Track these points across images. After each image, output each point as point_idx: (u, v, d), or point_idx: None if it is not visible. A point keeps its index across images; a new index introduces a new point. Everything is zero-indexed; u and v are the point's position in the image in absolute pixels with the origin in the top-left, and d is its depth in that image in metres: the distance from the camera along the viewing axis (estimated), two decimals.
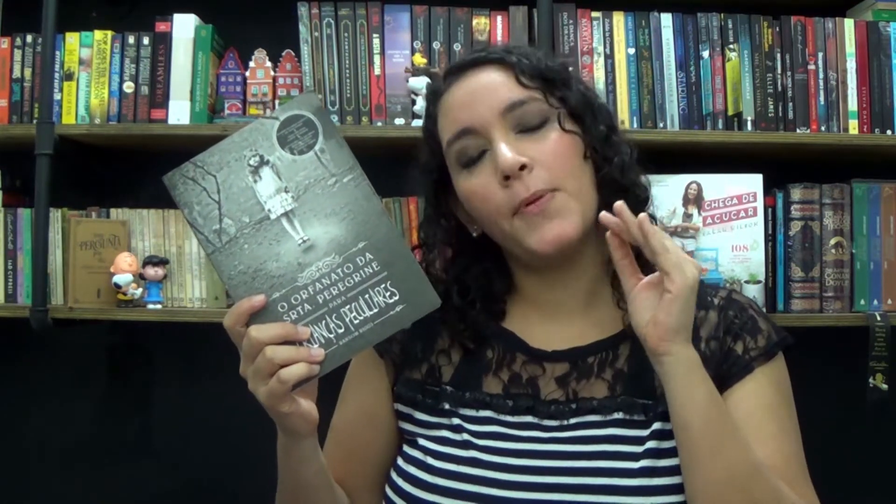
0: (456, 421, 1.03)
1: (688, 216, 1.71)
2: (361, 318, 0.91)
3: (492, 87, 1.03)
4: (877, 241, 1.79)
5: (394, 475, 1.06)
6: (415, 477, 1.02)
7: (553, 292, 1.07)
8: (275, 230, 0.91)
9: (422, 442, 1.05)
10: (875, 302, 1.78)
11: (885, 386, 1.71)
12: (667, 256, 0.90)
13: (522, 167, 0.98)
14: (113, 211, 1.87)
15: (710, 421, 0.92)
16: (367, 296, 0.91)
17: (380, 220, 0.92)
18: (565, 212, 1.00)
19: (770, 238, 1.77)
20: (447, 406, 1.05)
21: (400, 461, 1.07)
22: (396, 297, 0.91)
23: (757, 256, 1.71)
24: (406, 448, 1.07)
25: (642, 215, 0.92)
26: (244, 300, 0.90)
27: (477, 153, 1.02)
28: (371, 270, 0.91)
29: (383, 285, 0.91)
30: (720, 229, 1.71)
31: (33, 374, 2.04)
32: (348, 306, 0.91)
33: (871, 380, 1.71)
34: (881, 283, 1.78)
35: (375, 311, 0.91)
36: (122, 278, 1.79)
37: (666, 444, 0.98)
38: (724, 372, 1.01)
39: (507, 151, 0.99)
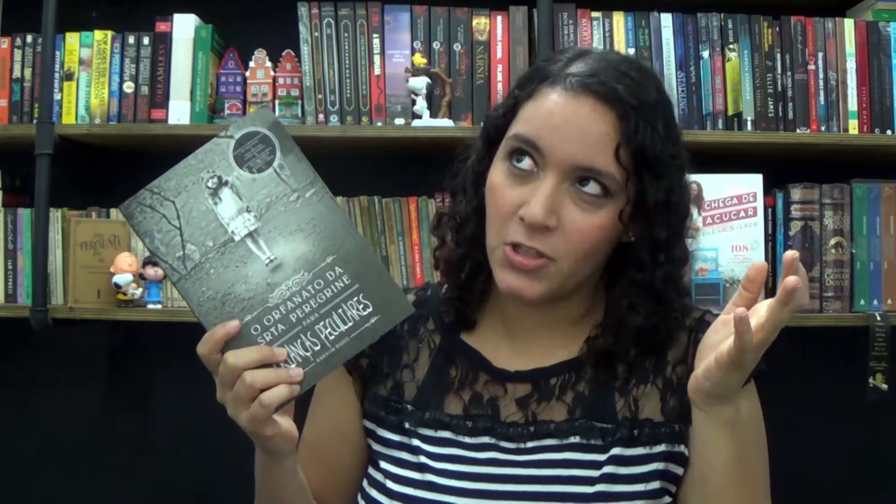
0: (415, 442, 1.01)
1: None
2: (336, 333, 0.89)
3: (589, 138, 0.92)
4: (877, 241, 1.79)
5: (359, 497, 1.05)
6: (375, 500, 1.01)
7: (529, 315, 1.03)
8: (240, 252, 0.88)
9: (382, 465, 1.03)
10: (875, 302, 1.78)
11: (885, 386, 1.71)
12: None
13: (545, 228, 0.92)
14: (113, 211, 1.86)
15: (730, 481, 0.91)
16: (340, 310, 0.89)
17: (346, 233, 0.89)
18: (543, 279, 0.95)
19: (770, 238, 1.77)
20: (407, 425, 1.02)
21: (364, 483, 1.05)
22: (370, 309, 0.89)
23: (757, 256, 1.71)
24: (370, 470, 1.05)
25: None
26: (218, 327, 0.87)
27: (528, 167, 0.94)
28: (342, 284, 0.89)
29: (356, 298, 0.89)
30: (720, 229, 1.71)
31: (33, 374, 2.04)
32: (322, 322, 0.89)
33: (871, 380, 1.71)
34: (881, 283, 1.78)
35: (350, 324, 0.89)
36: (122, 278, 1.79)
37: (623, 471, 0.96)
38: (691, 402, 0.93)
39: (541, 205, 0.91)
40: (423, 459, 0.99)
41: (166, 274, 0.89)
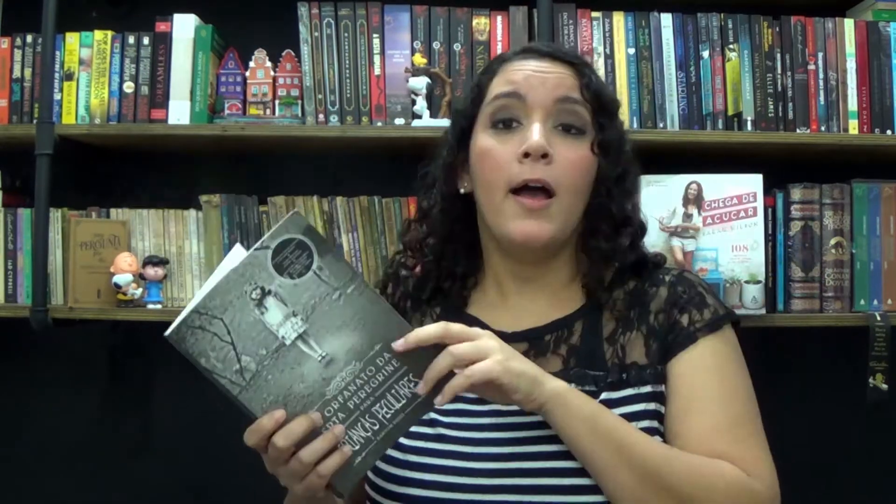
0: None
1: (688, 216, 1.71)
2: (392, 411, 0.95)
3: (559, 79, 1.10)
4: (877, 241, 1.79)
5: None
6: (388, 456, 1.07)
7: (523, 279, 1.14)
8: (293, 354, 0.92)
9: None
10: (875, 302, 1.78)
11: (885, 386, 1.71)
12: (475, 379, 0.95)
13: (545, 155, 1.06)
14: (113, 211, 1.87)
15: (602, 439, 0.99)
16: (392, 391, 0.95)
17: (389, 320, 0.95)
18: (550, 218, 1.08)
19: (770, 238, 1.77)
20: None
21: None
22: (420, 385, 0.96)
23: (757, 256, 1.71)
24: None
25: (432, 377, 0.96)
26: (265, 418, 0.91)
27: (510, 120, 1.09)
28: (392, 368, 0.95)
29: (406, 378, 0.95)
30: (720, 229, 1.71)
31: (33, 374, 2.04)
32: (378, 404, 0.95)
33: (871, 380, 1.71)
34: (881, 283, 1.78)
35: (403, 402, 0.96)
36: (122, 278, 1.79)
37: (615, 412, 1.04)
38: (670, 342, 1.08)
39: (539, 134, 1.06)
40: (432, 415, 1.07)
41: (226, 390, 0.91)
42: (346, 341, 0.94)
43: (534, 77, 1.10)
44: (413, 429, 1.06)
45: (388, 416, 0.95)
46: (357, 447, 0.94)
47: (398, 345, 0.95)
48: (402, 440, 1.07)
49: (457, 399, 1.05)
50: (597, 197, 1.12)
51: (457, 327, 0.97)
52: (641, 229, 1.17)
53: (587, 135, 1.10)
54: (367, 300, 0.94)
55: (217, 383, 0.91)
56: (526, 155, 1.06)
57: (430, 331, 0.96)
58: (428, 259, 1.19)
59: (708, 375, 1.06)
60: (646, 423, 1.04)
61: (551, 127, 1.09)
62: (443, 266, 1.18)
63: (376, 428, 0.95)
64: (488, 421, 1.06)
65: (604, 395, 1.05)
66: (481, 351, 0.96)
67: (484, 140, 1.11)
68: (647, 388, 1.06)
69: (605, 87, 1.16)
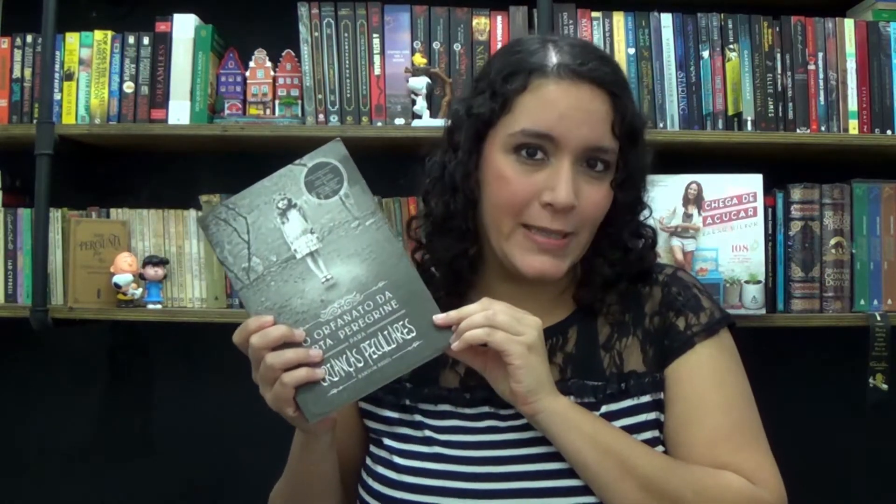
0: (417, 417, 1.07)
1: (688, 216, 1.71)
2: (380, 352, 0.95)
3: (595, 117, 1.01)
4: (877, 241, 1.79)
5: (364, 475, 1.10)
6: (383, 476, 1.06)
7: (519, 291, 1.08)
8: (300, 269, 0.96)
9: (387, 441, 1.08)
10: (875, 302, 1.78)
11: (885, 386, 1.71)
12: (494, 338, 0.94)
13: (570, 208, 1.00)
14: (113, 211, 1.87)
15: (604, 453, 0.97)
16: (385, 332, 0.95)
17: (399, 261, 0.96)
18: (564, 255, 1.03)
19: (770, 238, 1.77)
20: (408, 402, 1.07)
21: (368, 461, 1.10)
22: (413, 334, 0.95)
23: (757, 256, 1.71)
24: (373, 448, 1.10)
25: (462, 326, 0.95)
26: (252, 319, 0.94)
27: (536, 150, 1.01)
28: (390, 308, 0.95)
29: (401, 322, 0.95)
30: (720, 229, 1.71)
31: (33, 374, 2.04)
32: (368, 341, 0.95)
33: (871, 380, 1.71)
34: (881, 283, 1.78)
35: (393, 346, 0.95)
36: (122, 278, 1.79)
37: (615, 424, 1.02)
38: (666, 347, 1.05)
39: (569, 190, 0.99)
40: (427, 433, 1.05)
41: (230, 282, 0.98)
42: (353, 270, 0.96)
43: (569, 118, 1.00)
44: (407, 447, 1.05)
45: (375, 356, 0.95)
46: (336, 378, 0.94)
47: (439, 318, 0.95)
48: (398, 459, 1.05)
49: (453, 416, 1.05)
50: (609, 225, 1.07)
51: (503, 316, 0.96)
52: (653, 241, 1.12)
53: (611, 169, 1.04)
54: (383, 236, 0.96)
55: (227, 274, 0.96)
56: (549, 204, 1.00)
57: (476, 319, 0.95)
58: (443, 260, 1.10)
59: (706, 383, 1.04)
60: (648, 435, 1.03)
61: (577, 166, 1.01)
62: (455, 266, 1.09)
63: (360, 365, 0.94)
64: (486, 438, 1.03)
65: (604, 408, 1.03)
66: (517, 330, 0.95)
67: (503, 164, 1.02)
68: (647, 398, 1.04)
69: (637, 112, 1.07)
